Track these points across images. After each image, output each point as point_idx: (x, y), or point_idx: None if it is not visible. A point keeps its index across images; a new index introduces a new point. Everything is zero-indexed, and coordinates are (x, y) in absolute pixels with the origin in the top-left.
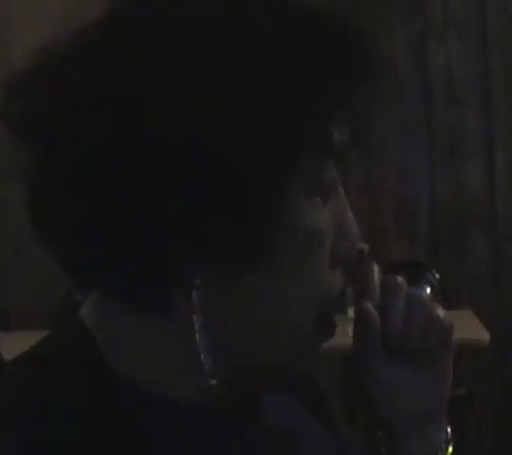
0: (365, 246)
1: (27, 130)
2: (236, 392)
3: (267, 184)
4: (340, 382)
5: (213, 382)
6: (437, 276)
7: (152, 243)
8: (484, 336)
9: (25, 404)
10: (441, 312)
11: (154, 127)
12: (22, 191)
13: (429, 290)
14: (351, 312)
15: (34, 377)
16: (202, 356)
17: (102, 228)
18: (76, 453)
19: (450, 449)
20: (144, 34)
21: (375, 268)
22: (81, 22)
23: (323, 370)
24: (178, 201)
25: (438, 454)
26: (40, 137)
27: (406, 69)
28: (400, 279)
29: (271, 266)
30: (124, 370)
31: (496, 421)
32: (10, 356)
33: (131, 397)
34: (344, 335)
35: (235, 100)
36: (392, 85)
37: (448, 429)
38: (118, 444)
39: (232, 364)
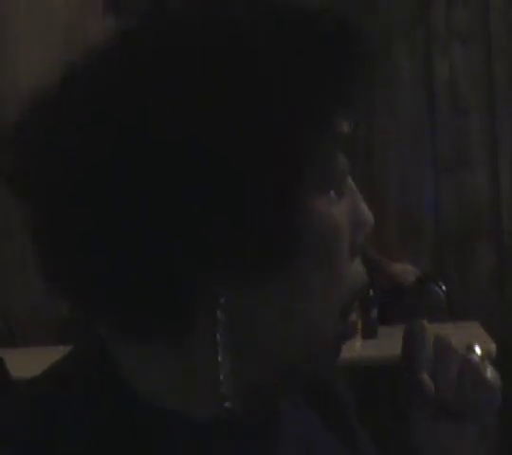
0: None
1: (28, 152)
2: (251, 406)
3: (281, 186)
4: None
5: (228, 404)
6: (443, 288)
7: (171, 264)
8: (491, 347)
9: (39, 420)
10: (491, 373)
11: (158, 132)
12: (23, 221)
13: (478, 350)
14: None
15: (50, 393)
16: (222, 376)
17: (114, 258)
18: None
19: None
20: (142, 38)
21: (426, 326)
22: (82, 35)
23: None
24: (192, 217)
25: None
26: (40, 157)
27: (410, 79)
28: (452, 342)
29: (295, 268)
30: (141, 386)
31: (499, 435)
32: (17, 372)
33: (147, 413)
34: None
35: (244, 99)
36: (390, 82)
37: None
38: None
39: (251, 378)
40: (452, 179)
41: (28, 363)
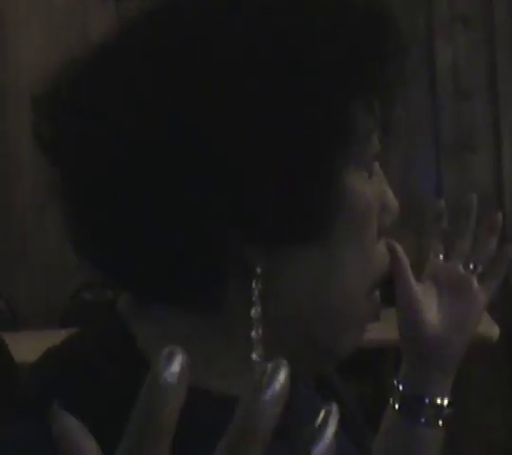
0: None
1: (58, 147)
2: None
3: (320, 159)
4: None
5: None
6: None
7: (209, 233)
8: (494, 330)
9: (60, 391)
10: None
11: (193, 121)
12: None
13: None
14: None
15: (67, 374)
16: (256, 349)
17: (153, 227)
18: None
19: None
20: (156, 39)
21: None
22: (83, 21)
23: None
24: (233, 187)
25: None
26: (71, 152)
27: (412, 64)
28: None
29: (330, 244)
30: None
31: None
32: (19, 356)
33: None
34: None
35: (288, 75)
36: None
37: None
38: None
39: (282, 354)
40: (455, 162)
41: (30, 347)
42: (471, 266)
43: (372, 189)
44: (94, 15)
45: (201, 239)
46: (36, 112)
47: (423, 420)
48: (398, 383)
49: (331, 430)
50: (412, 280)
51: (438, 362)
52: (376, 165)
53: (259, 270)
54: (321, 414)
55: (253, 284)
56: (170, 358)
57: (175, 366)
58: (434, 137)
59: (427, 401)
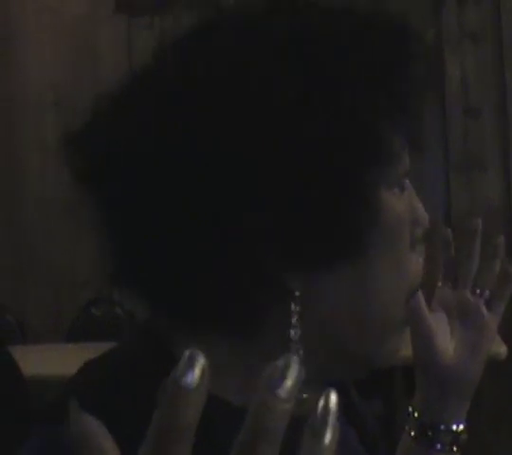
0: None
1: (95, 179)
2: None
3: (354, 178)
4: None
5: (305, 395)
6: None
7: (248, 259)
8: (502, 348)
9: (72, 399)
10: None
11: (248, 128)
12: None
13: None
14: None
15: (104, 386)
16: None
17: (195, 255)
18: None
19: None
20: (189, 69)
21: None
22: (92, 37)
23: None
24: (270, 211)
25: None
26: (109, 183)
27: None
28: None
29: (365, 260)
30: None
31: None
32: (27, 369)
33: (209, 408)
34: None
35: (328, 96)
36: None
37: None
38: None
39: (317, 369)
40: (464, 179)
41: (38, 360)
42: (478, 291)
43: (403, 204)
44: (104, 30)
45: (242, 265)
46: (70, 144)
47: (438, 446)
48: (413, 409)
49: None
50: (425, 308)
51: (453, 389)
52: (407, 180)
53: (298, 293)
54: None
55: (292, 307)
56: (191, 361)
57: (197, 368)
58: (443, 155)
59: (442, 427)
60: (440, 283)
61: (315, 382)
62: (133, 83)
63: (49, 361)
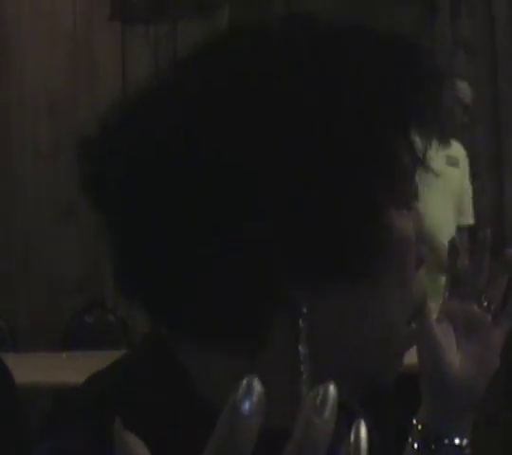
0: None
1: (102, 193)
2: None
3: (365, 198)
4: None
5: None
6: None
7: (257, 275)
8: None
9: (101, 421)
10: None
11: (257, 140)
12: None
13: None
14: None
15: (112, 395)
16: (305, 385)
17: (201, 269)
18: None
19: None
20: (204, 82)
21: None
22: (88, 43)
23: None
24: (283, 228)
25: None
26: (116, 200)
27: None
28: None
29: (373, 280)
30: (212, 393)
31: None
32: (18, 377)
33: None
34: None
35: (335, 115)
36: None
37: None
38: None
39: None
40: None
41: (30, 368)
42: (485, 304)
43: (411, 223)
44: (99, 36)
45: (249, 281)
46: (81, 154)
47: None
48: (417, 422)
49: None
50: (433, 321)
51: (458, 403)
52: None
53: (305, 310)
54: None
55: (300, 323)
56: (249, 388)
57: (255, 396)
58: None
59: (446, 441)
60: (447, 294)
61: None
62: (135, 93)
63: (40, 369)
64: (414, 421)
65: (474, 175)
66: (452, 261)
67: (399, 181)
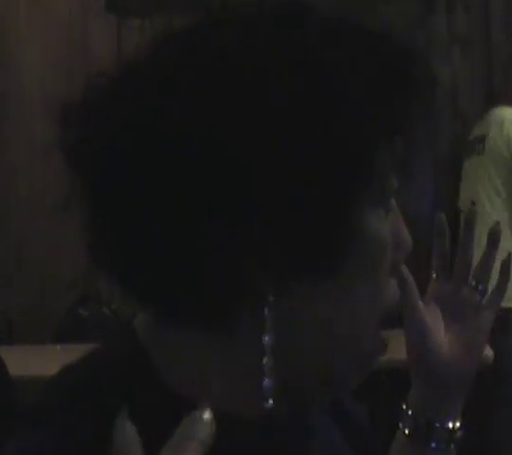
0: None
1: (83, 159)
2: (286, 406)
3: (338, 196)
4: None
5: (269, 404)
6: None
7: (224, 259)
8: (489, 352)
9: (71, 418)
10: None
11: (219, 145)
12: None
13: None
14: None
15: (82, 390)
16: (266, 375)
17: (171, 245)
18: None
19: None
20: (192, 57)
21: None
22: (83, 34)
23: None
24: (252, 217)
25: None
26: (96, 166)
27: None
28: None
29: (344, 278)
30: (179, 385)
31: None
32: (14, 370)
33: (184, 411)
34: None
35: (315, 114)
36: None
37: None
38: None
39: (290, 378)
40: (451, 183)
41: (25, 361)
42: (473, 284)
43: (387, 225)
44: (95, 29)
45: (216, 265)
46: (63, 119)
47: (434, 444)
48: (407, 407)
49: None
50: (420, 305)
51: (448, 387)
52: (393, 201)
53: (271, 298)
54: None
55: (265, 312)
56: (199, 417)
57: (203, 424)
58: (431, 160)
59: (437, 425)
60: (435, 275)
61: (286, 394)
62: (126, 79)
63: (35, 362)
64: (404, 406)
65: None
66: (439, 240)
67: (375, 182)
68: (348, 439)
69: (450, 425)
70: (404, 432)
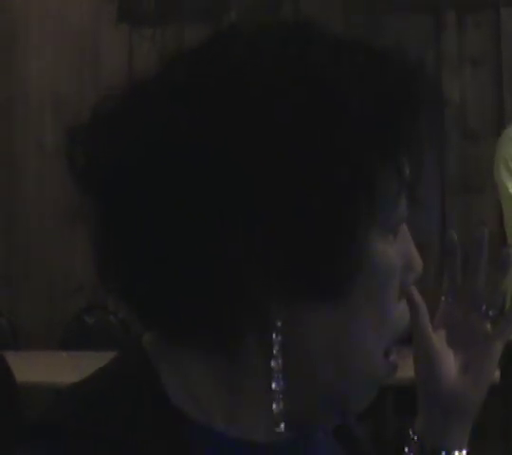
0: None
1: (92, 178)
2: (293, 431)
3: (346, 220)
4: None
5: (282, 426)
6: None
7: (232, 284)
8: (495, 373)
9: (81, 431)
10: None
11: (227, 170)
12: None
13: None
14: None
15: (95, 401)
16: (276, 400)
17: (180, 269)
18: None
19: None
20: (198, 76)
21: None
22: (93, 41)
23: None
24: (260, 242)
25: None
26: (105, 185)
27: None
28: None
29: (349, 303)
30: (186, 404)
31: None
32: (19, 375)
33: (191, 433)
34: None
35: (322, 140)
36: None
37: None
38: None
39: (299, 403)
40: (460, 203)
41: (31, 367)
42: (484, 309)
43: (396, 250)
44: (106, 38)
45: (224, 289)
46: (71, 141)
47: None
48: (414, 434)
49: None
50: (430, 330)
51: (456, 414)
52: (403, 225)
53: (279, 323)
54: None
55: (274, 337)
56: None
57: None
58: (440, 178)
59: (443, 454)
60: (443, 298)
61: (294, 418)
62: (135, 92)
63: (40, 368)
64: (411, 432)
65: (478, 189)
66: (449, 261)
67: (383, 205)
68: None
69: (457, 453)
70: None
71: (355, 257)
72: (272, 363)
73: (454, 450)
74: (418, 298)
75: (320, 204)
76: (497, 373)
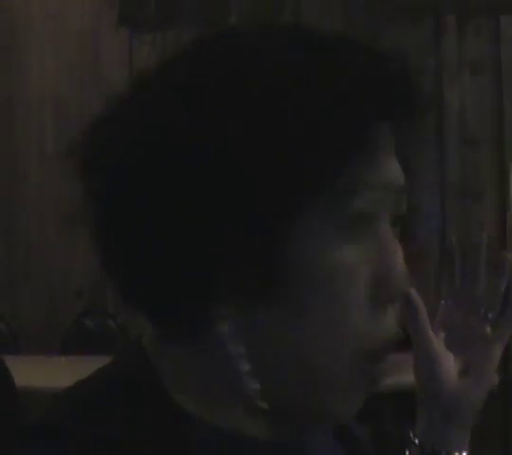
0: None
1: (92, 179)
2: (282, 423)
3: (280, 213)
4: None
5: (261, 403)
6: None
7: (188, 273)
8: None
9: (81, 431)
10: None
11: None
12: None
13: None
14: None
15: (94, 402)
16: (242, 384)
17: (180, 269)
18: None
19: None
20: (193, 77)
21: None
22: (94, 43)
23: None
24: (209, 238)
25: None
26: (106, 185)
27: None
28: None
29: (292, 300)
30: (186, 403)
31: None
32: (19, 379)
33: (192, 432)
34: None
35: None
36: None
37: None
38: None
39: (276, 393)
40: (459, 209)
41: (31, 371)
42: (482, 312)
43: (353, 253)
44: (106, 42)
45: (193, 282)
46: (71, 141)
47: None
48: (414, 436)
49: None
50: (430, 333)
51: (456, 417)
52: (380, 230)
53: (226, 312)
54: None
55: (226, 329)
56: None
57: None
58: (440, 184)
59: None
60: (443, 301)
61: (284, 420)
62: (135, 92)
63: (40, 373)
64: (411, 434)
65: (477, 195)
66: (449, 265)
67: (329, 203)
68: None
69: None
70: None
71: (275, 258)
72: (230, 349)
73: (454, 452)
74: (418, 301)
75: (257, 206)
76: (496, 376)
